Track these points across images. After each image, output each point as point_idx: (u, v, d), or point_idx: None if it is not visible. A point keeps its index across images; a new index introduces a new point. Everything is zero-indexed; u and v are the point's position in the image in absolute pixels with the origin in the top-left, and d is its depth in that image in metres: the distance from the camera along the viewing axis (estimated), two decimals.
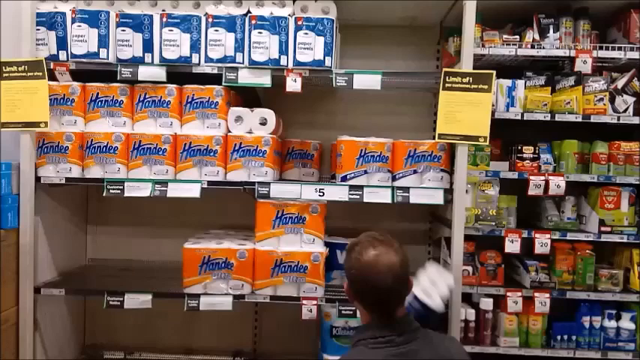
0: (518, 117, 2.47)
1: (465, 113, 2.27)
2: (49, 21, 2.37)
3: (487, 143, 2.32)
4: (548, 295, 2.45)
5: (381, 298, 1.56)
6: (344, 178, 2.35)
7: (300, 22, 2.33)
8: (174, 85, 2.40)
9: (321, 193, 2.30)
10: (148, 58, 2.36)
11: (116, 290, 2.37)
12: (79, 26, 2.35)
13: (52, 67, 2.36)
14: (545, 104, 2.50)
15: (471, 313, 2.49)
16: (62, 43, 2.38)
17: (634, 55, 2.45)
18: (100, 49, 2.36)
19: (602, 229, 2.49)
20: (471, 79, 2.27)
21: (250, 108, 2.43)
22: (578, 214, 2.62)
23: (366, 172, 2.34)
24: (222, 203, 2.81)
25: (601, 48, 2.48)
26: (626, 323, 2.50)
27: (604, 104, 2.49)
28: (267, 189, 2.30)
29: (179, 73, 2.38)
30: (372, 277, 1.54)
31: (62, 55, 2.38)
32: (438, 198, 2.33)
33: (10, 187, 2.34)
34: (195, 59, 2.36)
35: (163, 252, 2.88)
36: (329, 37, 2.31)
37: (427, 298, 1.83)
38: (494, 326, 2.53)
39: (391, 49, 2.92)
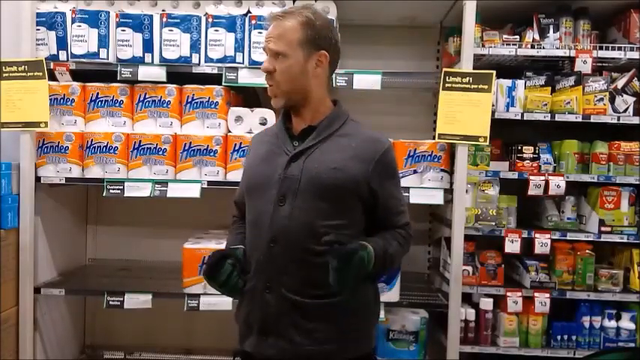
0: (518, 117, 2.47)
1: (465, 113, 2.27)
2: (49, 21, 2.37)
3: (487, 143, 2.32)
4: (548, 295, 2.45)
5: None
6: None
7: None
8: (174, 85, 2.40)
9: None
10: (148, 58, 2.36)
11: (116, 290, 2.38)
12: (79, 26, 2.35)
13: (52, 67, 2.37)
14: (545, 104, 2.50)
15: (470, 313, 2.49)
16: (62, 43, 2.38)
17: (634, 55, 2.45)
18: (100, 49, 2.36)
19: (602, 229, 2.49)
20: (471, 79, 2.27)
21: (250, 108, 2.43)
22: (578, 214, 2.62)
23: None
24: (222, 203, 2.80)
25: (601, 48, 2.48)
26: (626, 323, 2.50)
27: (604, 104, 2.49)
28: None
29: (179, 73, 2.38)
30: None
31: (62, 55, 2.38)
32: (438, 198, 2.33)
33: (10, 187, 2.34)
34: (195, 59, 2.36)
35: (163, 252, 2.87)
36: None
37: None
38: (494, 326, 2.53)
39: (391, 49, 2.91)
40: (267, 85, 1.52)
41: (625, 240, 2.48)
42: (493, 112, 2.33)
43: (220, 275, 1.45)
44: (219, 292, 1.51)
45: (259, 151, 1.59)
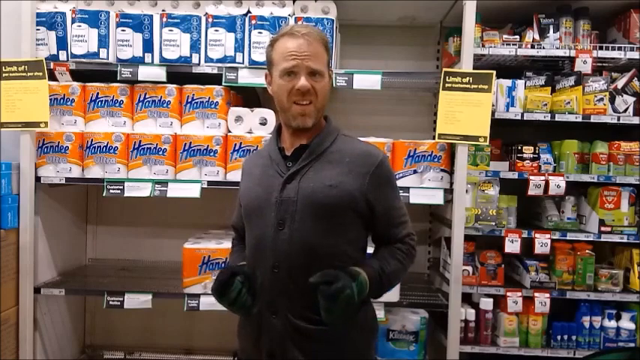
0: (518, 117, 2.47)
1: (465, 113, 2.27)
2: (49, 21, 2.37)
3: (487, 143, 2.32)
4: (548, 295, 2.45)
5: None
6: None
7: (300, 22, 2.33)
8: (174, 85, 2.40)
9: None
10: (148, 58, 2.36)
11: (116, 290, 2.38)
12: (79, 26, 2.35)
13: (52, 67, 2.37)
14: (545, 104, 2.50)
15: (470, 313, 2.49)
16: (62, 43, 2.38)
17: (634, 55, 2.45)
18: (100, 49, 2.36)
19: (602, 229, 2.49)
20: (471, 79, 2.27)
21: (250, 108, 2.43)
22: (578, 214, 2.62)
23: None
24: (222, 203, 2.81)
25: (601, 48, 2.48)
26: (626, 323, 2.50)
27: (604, 104, 2.49)
28: None
29: (179, 73, 2.38)
30: None
31: (62, 55, 2.38)
32: (438, 198, 2.33)
33: (10, 187, 2.34)
34: (195, 59, 2.36)
35: (163, 252, 2.88)
36: (329, 37, 2.31)
37: None
38: (494, 326, 2.53)
39: (391, 49, 2.91)
40: (303, 104, 1.46)
41: (625, 240, 2.48)
42: (493, 112, 2.34)
43: (231, 293, 1.44)
44: (228, 310, 1.49)
45: (253, 173, 1.58)
